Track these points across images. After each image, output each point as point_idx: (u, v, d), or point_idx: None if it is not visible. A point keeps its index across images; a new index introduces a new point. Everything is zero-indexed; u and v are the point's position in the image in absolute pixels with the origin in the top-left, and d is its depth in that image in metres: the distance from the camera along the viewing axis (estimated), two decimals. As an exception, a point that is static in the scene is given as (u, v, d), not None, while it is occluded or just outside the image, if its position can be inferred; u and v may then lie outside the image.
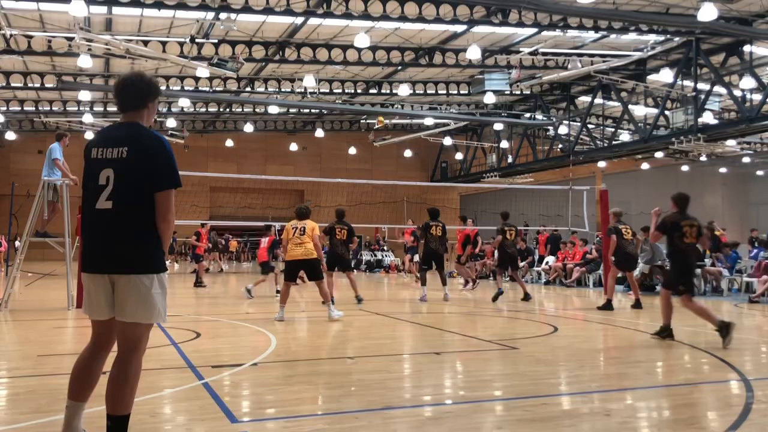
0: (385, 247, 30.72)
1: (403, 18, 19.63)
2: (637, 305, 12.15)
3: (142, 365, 3.63)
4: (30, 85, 26.60)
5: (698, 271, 15.98)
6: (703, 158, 29.72)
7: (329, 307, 9.94)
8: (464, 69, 26.20)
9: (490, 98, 27.22)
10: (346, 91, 29.44)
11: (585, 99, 30.86)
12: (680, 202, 8.20)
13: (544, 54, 23.63)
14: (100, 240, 3.56)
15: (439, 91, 29.83)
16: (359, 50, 23.14)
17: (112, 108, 32.22)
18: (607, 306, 11.97)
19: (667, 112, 26.58)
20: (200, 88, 28.15)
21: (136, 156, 3.53)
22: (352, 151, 40.33)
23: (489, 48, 24.05)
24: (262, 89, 28.58)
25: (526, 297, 13.60)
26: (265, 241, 15.44)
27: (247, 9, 18.73)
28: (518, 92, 29.99)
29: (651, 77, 26.83)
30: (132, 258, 3.51)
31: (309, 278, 10.31)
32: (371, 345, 7.96)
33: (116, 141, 3.59)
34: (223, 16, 18.85)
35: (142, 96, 3.71)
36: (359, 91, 29.58)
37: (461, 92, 30.11)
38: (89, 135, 33.48)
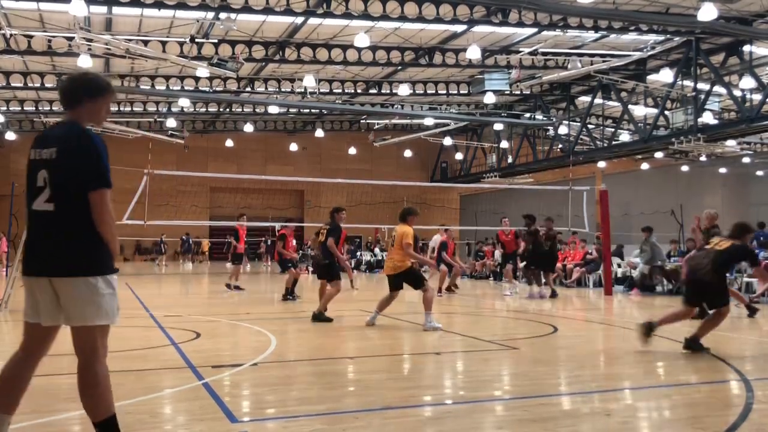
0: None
1: (402, 18, 19.62)
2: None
3: (107, 368, 3.49)
4: (30, 85, 26.59)
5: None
6: (702, 158, 29.70)
7: (427, 317, 9.08)
8: (464, 69, 26.19)
9: (490, 98, 27.22)
10: (346, 91, 29.43)
11: (585, 99, 30.85)
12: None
13: (544, 54, 23.62)
14: (41, 242, 3.45)
15: (439, 91, 29.82)
16: (359, 50, 23.15)
17: (113, 108, 32.22)
18: (752, 311, 10.95)
19: (667, 112, 26.56)
20: (200, 88, 28.13)
21: (63, 156, 3.43)
22: (352, 151, 40.33)
23: (489, 48, 24.04)
24: (262, 89, 28.57)
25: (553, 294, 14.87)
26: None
27: (247, 9, 18.72)
28: (518, 92, 29.98)
29: (651, 77, 26.83)
30: (73, 260, 3.38)
31: (413, 287, 9.49)
32: (371, 345, 7.96)
33: (49, 141, 3.51)
34: (223, 15, 18.84)
35: (76, 95, 3.60)
36: (359, 91, 29.58)
37: (461, 92, 30.11)
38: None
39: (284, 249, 14.64)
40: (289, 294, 13.64)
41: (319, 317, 9.83)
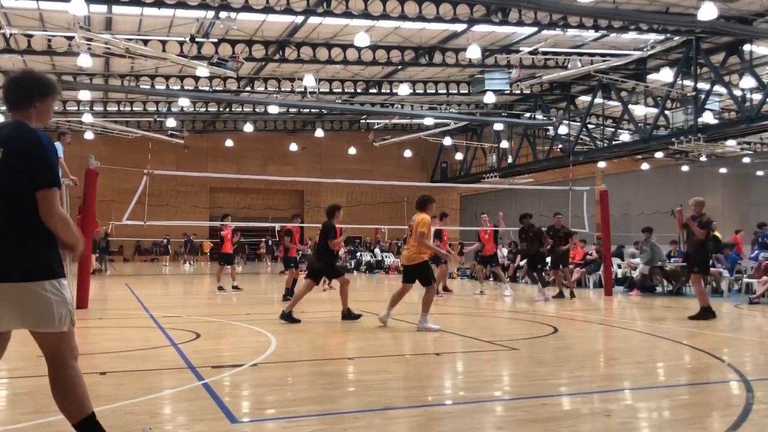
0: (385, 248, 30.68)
1: (403, 17, 19.63)
2: None
3: (77, 369, 3.46)
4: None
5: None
6: (703, 158, 29.72)
7: (422, 317, 8.93)
8: (464, 68, 26.20)
9: (490, 98, 27.21)
10: (346, 90, 29.43)
11: (585, 99, 30.85)
12: None
13: (544, 53, 23.63)
14: None
15: (439, 91, 29.83)
16: (359, 49, 23.15)
17: (113, 108, 32.23)
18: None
19: (667, 112, 26.56)
20: (200, 88, 28.14)
21: (11, 156, 3.32)
22: (352, 151, 40.33)
23: (489, 47, 24.05)
24: (262, 89, 28.57)
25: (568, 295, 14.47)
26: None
27: (247, 8, 18.74)
28: (518, 92, 29.99)
29: (651, 77, 26.83)
30: (18, 265, 3.27)
31: (420, 283, 9.18)
32: (371, 346, 7.95)
33: None
34: (223, 15, 18.85)
35: (26, 94, 3.50)
36: (359, 90, 29.58)
37: (461, 92, 30.11)
38: (89, 135, 33.53)
39: (291, 243, 14.57)
40: (290, 294, 13.63)
41: (349, 315, 9.87)
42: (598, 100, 29.45)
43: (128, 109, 32.37)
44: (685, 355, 7.45)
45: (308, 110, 34.77)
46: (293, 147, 40.05)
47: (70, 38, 19.90)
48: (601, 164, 33.83)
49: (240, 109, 34.83)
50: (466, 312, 12.18)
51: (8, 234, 3.29)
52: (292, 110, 34.57)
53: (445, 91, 29.90)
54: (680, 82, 24.69)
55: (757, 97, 23.12)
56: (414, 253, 9.05)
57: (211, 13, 19.44)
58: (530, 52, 23.05)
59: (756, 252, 16.09)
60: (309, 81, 24.39)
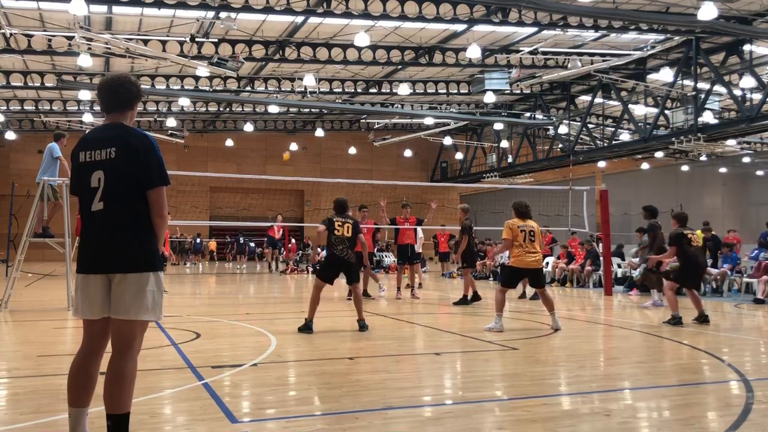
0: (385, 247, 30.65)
1: (403, 17, 19.64)
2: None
3: (137, 364, 3.63)
4: (30, 84, 26.57)
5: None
6: (703, 158, 29.71)
7: (553, 317, 9.21)
8: (464, 68, 26.19)
9: (490, 98, 27.20)
10: (346, 90, 29.43)
11: (585, 99, 30.85)
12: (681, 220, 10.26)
13: (544, 53, 23.62)
14: (97, 240, 3.60)
15: (439, 91, 29.83)
16: (359, 49, 23.15)
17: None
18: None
19: (667, 112, 26.55)
20: (200, 88, 28.13)
21: (125, 156, 3.59)
22: (352, 150, 40.32)
23: (489, 47, 24.05)
24: (262, 89, 28.57)
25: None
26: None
27: (247, 8, 18.75)
28: (518, 92, 29.98)
29: (651, 77, 26.83)
30: (128, 256, 3.55)
31: (533, 285, 10.02)
32: (371, 345, 7.95)
33: (104, 142, 3.65)
34: (223, 15, 18.85)
35: (131, 98, 3.80)
36: (359, 90, 29.58)
37: (461, 91, 30.11)
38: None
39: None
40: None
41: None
42: (598, 100, 29.44)
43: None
44: (685, 355, 7.46)
45: (308, 110, 34.74)
46: (293, 147, 40.02)
47: (70, 38, 19.87)
48: (601, 164, 33.81)
49: (240, 109, 34.81)
50: (466, 311, 12.17)
51: (128, 227, 3.57)
52: (292, 110, 34.55)
53: (445, 91, 29.88)
54: (680, 81, 24.69)
55: (757, 96, 23.11)
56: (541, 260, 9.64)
57: (211, 13, 19.43)
58: (530, 52, 23.04)
59: (756, 251, 16.11)
60: (309, 81, 24.37)
